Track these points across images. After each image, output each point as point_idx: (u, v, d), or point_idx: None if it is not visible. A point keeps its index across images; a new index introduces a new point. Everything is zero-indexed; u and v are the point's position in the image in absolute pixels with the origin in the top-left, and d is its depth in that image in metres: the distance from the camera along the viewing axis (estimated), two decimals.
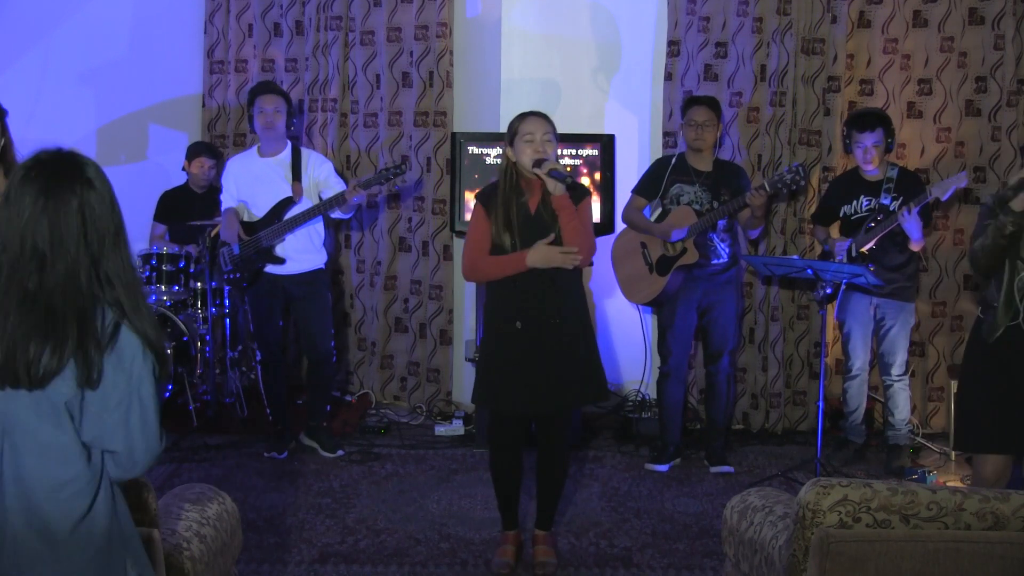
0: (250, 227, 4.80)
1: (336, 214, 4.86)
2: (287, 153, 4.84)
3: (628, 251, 4.84)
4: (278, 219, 4.75)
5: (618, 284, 4.90)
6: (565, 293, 3.51)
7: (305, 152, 4.92)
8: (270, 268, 4.80)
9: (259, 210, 4.82)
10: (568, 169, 3.46)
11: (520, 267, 3.45)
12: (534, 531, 3.77)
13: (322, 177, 4.82)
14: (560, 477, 3.71)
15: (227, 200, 4.92)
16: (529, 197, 3.52)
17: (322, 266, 4.94)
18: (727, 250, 4.72)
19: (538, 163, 3.42)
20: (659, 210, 4.84)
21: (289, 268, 4.80)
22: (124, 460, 1.96)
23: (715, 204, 4.63)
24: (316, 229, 4.89)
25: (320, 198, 4.78)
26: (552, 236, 3.47)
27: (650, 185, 4.80)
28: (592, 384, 3.58)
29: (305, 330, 4.94)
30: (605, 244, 4.80)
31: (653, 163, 4.90)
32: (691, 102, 4.76)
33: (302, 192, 4.79)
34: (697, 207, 4.64)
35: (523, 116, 3.53)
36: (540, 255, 3.43)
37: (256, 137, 5.02)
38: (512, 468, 3.66)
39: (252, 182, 4.83)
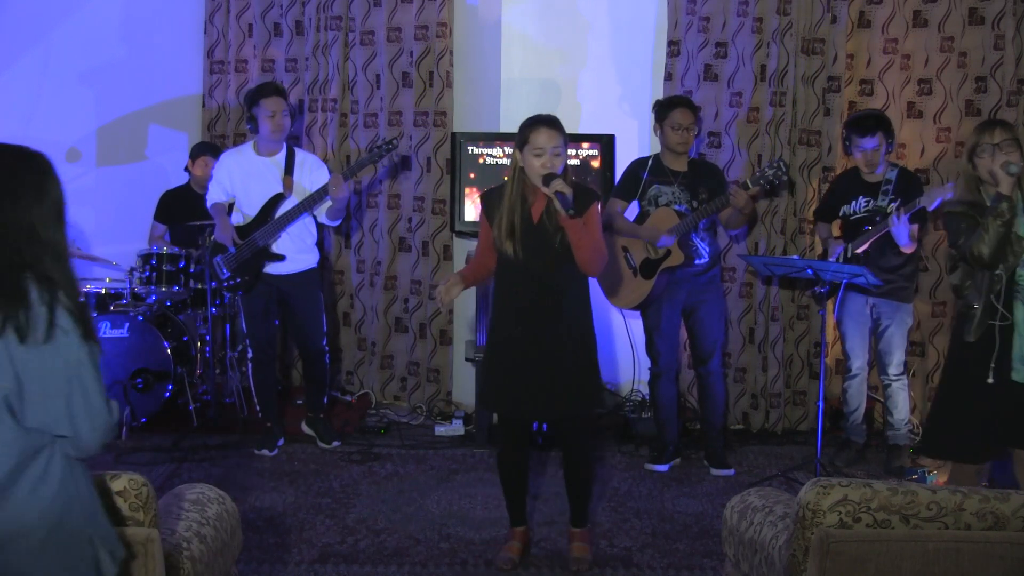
0: (242, 230, 4.80)
1: (323, 219, 4.87)
2: (283, 153, 4.85)
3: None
4: (270, 217, 4.76)
5: (600, 289, 4.81)
6: (568, 300, 3.51)
7: (301, 153, 4.93)
8: (268, 268, 4.81)
9: (251, 207, 4.82)
10: (570, 182, 3.41)
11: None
12: (568, 528, 3.80)
13: (320, 182, 4.77)
14: (585, 475, 3.75)
15: (215, 193, 4.92)
16: (533, 204, 3.49)
17: (315, 264, 4.98)
18: (708, 249, 4.71)
19: (547, 180, 3.37)
20: (637, 212, 4.80)
21: (284, 268, 4.83)
22: (71, 444, 1.98)
23: (694, 203, 4.62)
24: (309, 229, 4.91)
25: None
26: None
27: (628, 187, 4.77)
28: (584, 393, 3.56)
29: (299, 328, 5.00)
30: None
31: (630, 164, 4.84)
32: (671, 105, 4.68)
33: (292, 186, 4.79)
34: (678, 207, 4.63)
35: (535, 125, 3.42)
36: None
37: (247, 135, 4.99)
38: (517, 468, 3.69)
39: (246, 179, 4.83)
